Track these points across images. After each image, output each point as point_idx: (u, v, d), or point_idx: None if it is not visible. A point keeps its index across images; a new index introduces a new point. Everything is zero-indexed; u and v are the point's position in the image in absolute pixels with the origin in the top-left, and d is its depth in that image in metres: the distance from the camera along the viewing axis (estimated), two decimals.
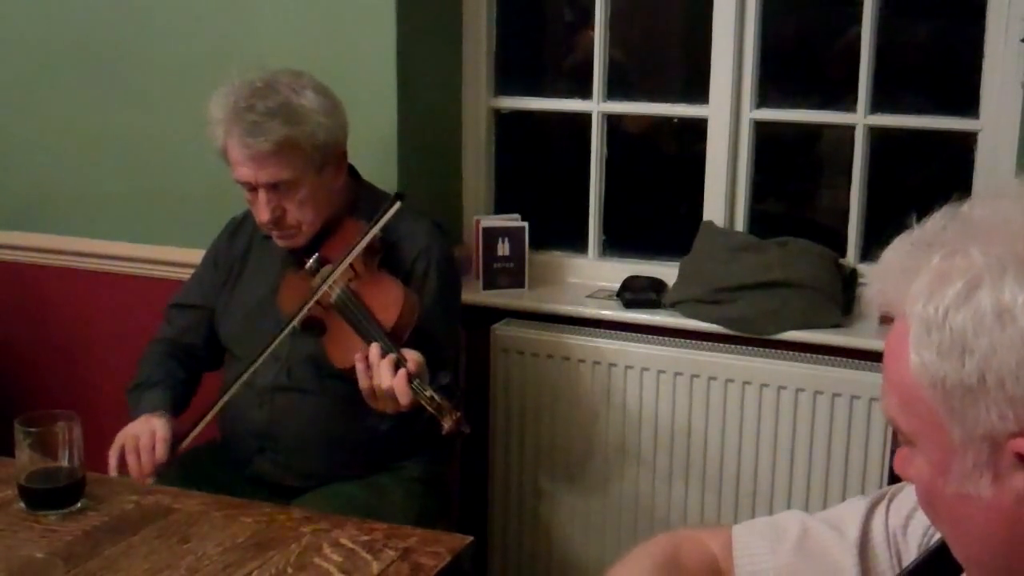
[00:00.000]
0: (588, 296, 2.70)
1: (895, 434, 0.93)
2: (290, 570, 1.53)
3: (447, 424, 1.87)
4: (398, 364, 1.90)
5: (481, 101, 2.80)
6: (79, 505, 1.71)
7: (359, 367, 1.92)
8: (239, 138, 2.06)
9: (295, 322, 2.03)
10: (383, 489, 2.12)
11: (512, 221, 2.74)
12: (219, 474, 2.13)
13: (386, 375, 1.89)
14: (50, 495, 1.69)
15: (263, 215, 2.09)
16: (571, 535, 2.67)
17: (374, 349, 1.92)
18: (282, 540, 1.61)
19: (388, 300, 2.03)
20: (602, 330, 2.60)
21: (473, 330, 2.61)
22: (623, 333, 2.58)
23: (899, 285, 0.87)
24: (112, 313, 2.92)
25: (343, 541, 1.61)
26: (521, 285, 2.72)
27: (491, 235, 2.71)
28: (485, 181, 2.86)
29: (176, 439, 2.04)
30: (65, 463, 1.69)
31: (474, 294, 2.66)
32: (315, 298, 2.02)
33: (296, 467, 2.15)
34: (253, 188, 2.10)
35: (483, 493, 2.73)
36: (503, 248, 2.71)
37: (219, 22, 2.67)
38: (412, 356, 1.93)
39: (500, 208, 2.87)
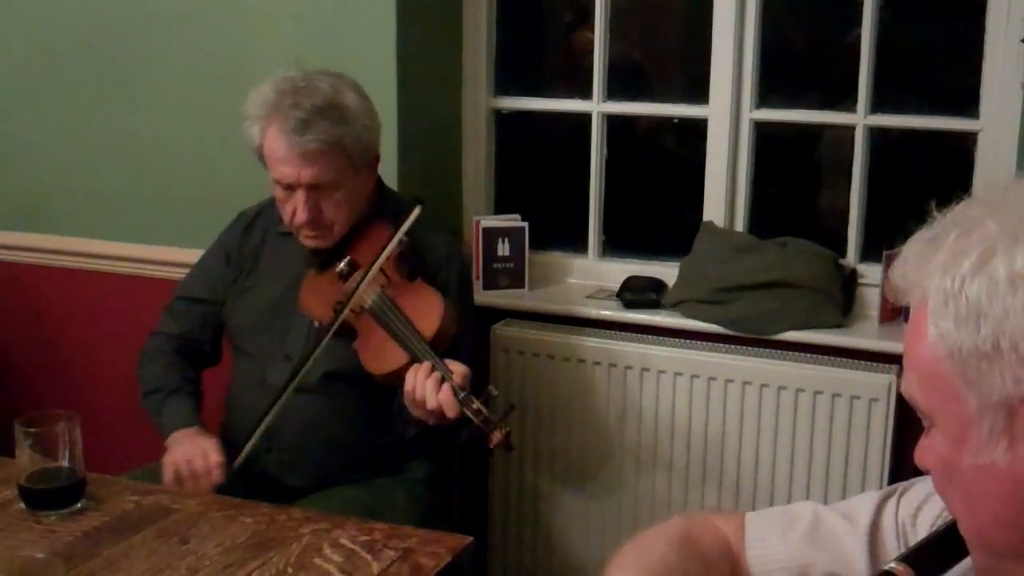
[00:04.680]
0: (588, 296, 2.70)
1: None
2: (290, 570, 1.53)
3: (495, 437, 1.85)
4: (443, 378, 1.87)
5: (481, 101, 2.80)
6: (79, 505, 1.71)
7: (406, 384, 1.89)
8: (286, 136, 2.01)
9: (334, 327, 1.99)
10: (385, 491, 2.12)
11: (512, 221, 2.74)
12: None
13: (431, 392, 1.86)
14: (50, 495, 1.69)
15: (301, 215, 2.05)
16: (571, 535, 2.67)
17: (422, 368, 1.88)
18: (282, 540, 1.61)
19: (427, 308, 1.99)
20: (602, 330, 2.60)
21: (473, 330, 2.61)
22: (623, 333, 2.58)
23: (919, 267, 0.89)
24: (112, 313, 2.92)
25: (343, 541, 1.61)
26: (521, 285, 2.72)
27: (491, 235, 2.71)
28: (485, 181, 2.86)
29: (228, 459, 2.01)
30: (65, 463, 1.69)
31: (474, 294, 2.65)
32: (351, 302, 1.99)
33: (301, 467, 2.14)
34: (290, 187, 2.05)
35: (483, 493, 2.73)
36: (503, 248, 2.71)
37: (219, 22, 2.67)
38: (458, 369, 1.90)
39: (500, 208, 2.87)
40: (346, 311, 2.00)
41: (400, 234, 2.02)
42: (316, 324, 2.08)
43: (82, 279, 2.96)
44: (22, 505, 1.70)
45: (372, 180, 2.16)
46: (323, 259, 2.13)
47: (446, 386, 1.86)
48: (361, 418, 2.13)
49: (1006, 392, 0.83)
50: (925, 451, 0.94)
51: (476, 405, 1.86)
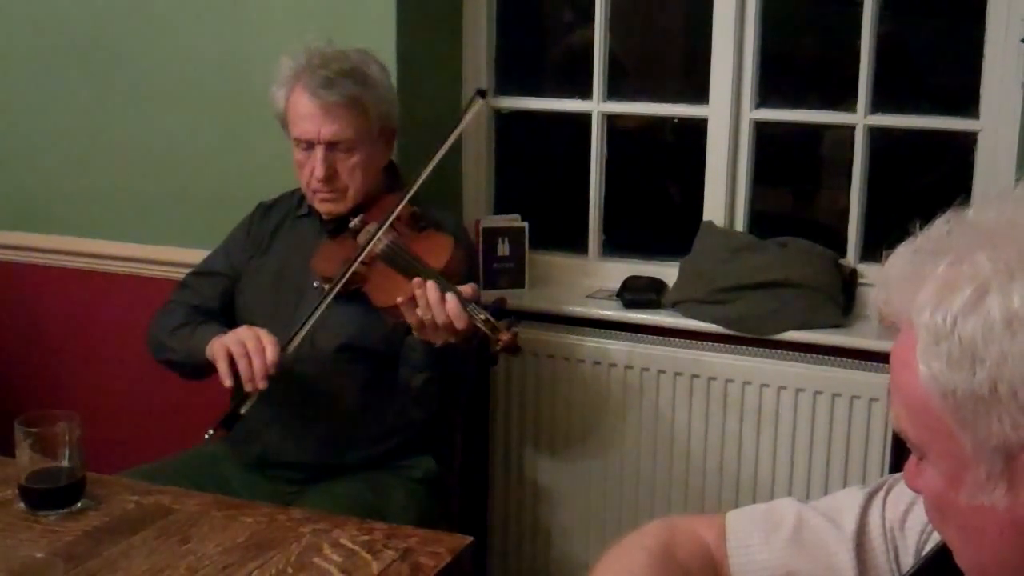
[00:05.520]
0: (588, 296, 2.70)
1: (901, 442, 0.91)
2: (290, 570, 1.53)
3: (503, 338, 1.89)
4: (451, 293, 1.91)
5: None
6: (79, 505, 1.71)
7: (408, 302, 1.92)
8: (311, 90, 2.11)
9: (349, 271, 2.02)
10: (385, 488, 2.13)
11: (512, 221, 2.74)
12: (220, 467, 2.14)
13: (439, 306, 1.90)
14: (50, 495, 1.69)
15: (318, 172, 2.12)
16: (571, 535, 2.67)
17: (427, 284, 1.91)
18: (282, 540, 1.61)
19: (436, 248, 2.06)
20: (602, 330, 2.60)
21: None
22: (623, 333, 2.58)
23: (904, 294, 0.85)
24: (112, 313, 2.92)
25: (343, 541, 1.61)
26: (521, 285, 2.72)
27: (491, 235, 2.71)
28: (485, 181, 2.86)
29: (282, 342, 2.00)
30: (65, 463, 1.69)
31: None
32: (366, 249, 2.03)
33: (304, 440, 2.15)
34: (310, 146, 2.13)
35: (483, 493, 2.73)
36: (503, 248, 2.71)
37: (219, 21, 2.67)
38: (466, 286, 1.95)
39: (500, 208, 2.87)
40: (358, 262, 2.03)
41: (458, 130, 2.10)
42: (326, 286, 2.09)
43: (82, 279, 2.96)
44: (22, 505, 1.70)
45: (387, 155, 2.25)
46: (335, 227, 2.18)
47: (451, 296, 1.90)
48: (366, 394, 2.15)
49: (1004, 438, 0.80)
50: (915, 475, 0.91)
51: (483, 315, 1.91)
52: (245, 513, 1.71)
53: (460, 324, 1.89)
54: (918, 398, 0.84)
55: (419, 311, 1.91)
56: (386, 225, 2.05)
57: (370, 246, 2.04)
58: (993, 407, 0.79)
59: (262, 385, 1.96)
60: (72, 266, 2.96)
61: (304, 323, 2.02)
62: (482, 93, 2.11)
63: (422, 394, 2.10)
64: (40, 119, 2.92)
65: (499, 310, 1.95)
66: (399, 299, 1.93)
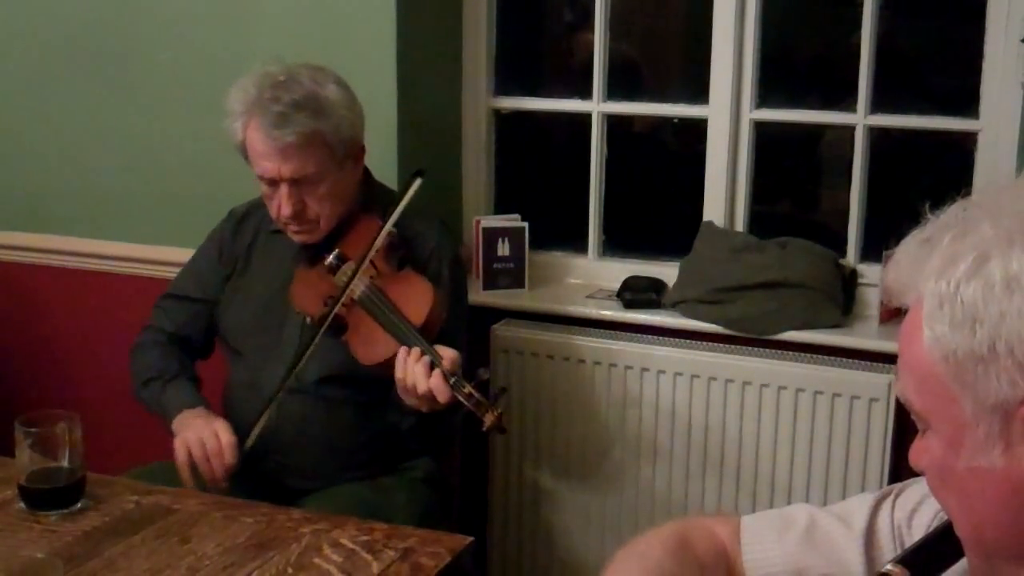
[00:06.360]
0: (588, 296, 2.70)
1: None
2: (290, 570, 1.53)
3: (488, 420, 1.86)
4: (433, 364, 1.88)
5: (481, 101, 2.80)
6: (79, 505, 1.71)
7: (396, 371, 1.90)
8: (265, 130, 2.01)
9: (328, 321, 1.98)
10: (386, 489, 2.12)
11: (512, 221, 2.74)
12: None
13: (422, 377, 1.87)
14: (50, 495, 1.69)
15: (285, 210, 2.05)
16: (571, 535, 2.67)
17: (412, 353, 1.89)
18: (282, 540, 1.61)
19: (416, 296, 2.00)
20: (602, 330, 2.60)
21: (473, 330, 2.60)
22: (623, 333, 2.58)
23: (913, 269, 0.89)
24: (112, 313, 2.92)
25: (343, 541, 1.61)
26: (521, 285, 2.72)
27: (491, 235, 2.70)
28: (485, 181, 2.86)
29: (240, 439, 2.01)
30: (65, 463, 1.69)
31: (474, 294, 2.65)
32: (343, 296, 1.98)
33: (300, 470, 2.14)
34: (274, 182, 2.05)
35: (483, 493, 2.73)
36: (503, 248, 2.71)
37: (219, 22, 2.67)
38: (448, 353, 1.90)
39: (500, 208, 2.87)
40: (338, 305, 1.99)
41: (399, 208, 2.01)
42: (308, 320, 2.07)
43: (82, 279, 2.96)
44: (22, 505, 1.70)
45: (357, 173, 2.16)
46: (312, 254, 2.12)
47: (436, 371, 1.87)
48: (357, 417, 2.13)
49: (1002, 396, 0.83)
50: (920, 452, 0.94)
51: (467, 389, 1.86)
52: (245, 513, 1.71)
53: (442, 399, 1.87)
54: (923, 364, 0.88)
55: (402, 380, 1.89)
56: (364, 264, 2.00)
57: (347, 291, 1.99)
58: (992, 365, 0.83)
59: (223, 485, 1.98)
60: (72, 266, 2.96)
61: (262, 413, 2.02)
62: (420, 173, 2.02)
63: (413, 433, 2.09)
64: (40, 119, 2.92)
65: (482, 384, 1.89)
66: (381, 360, 1.93)
